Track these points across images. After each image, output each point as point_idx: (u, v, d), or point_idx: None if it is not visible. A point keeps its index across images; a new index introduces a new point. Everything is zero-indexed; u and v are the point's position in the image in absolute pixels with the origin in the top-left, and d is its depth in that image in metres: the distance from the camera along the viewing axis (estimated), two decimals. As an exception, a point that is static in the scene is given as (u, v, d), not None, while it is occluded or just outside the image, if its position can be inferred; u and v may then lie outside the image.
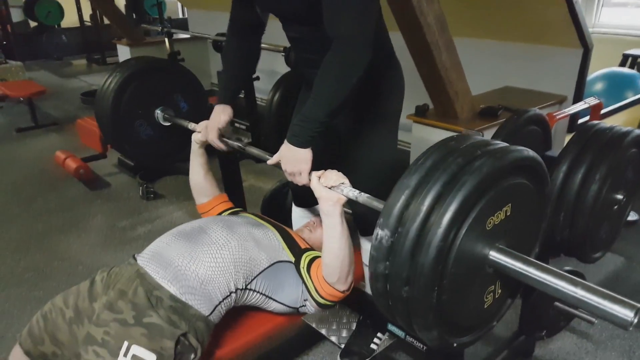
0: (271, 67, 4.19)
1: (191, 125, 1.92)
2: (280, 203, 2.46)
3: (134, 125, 2.17)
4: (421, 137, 2.45)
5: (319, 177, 1.35)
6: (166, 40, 4.32)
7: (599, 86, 3.66)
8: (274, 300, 1.50)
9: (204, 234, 1.46)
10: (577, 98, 2.76)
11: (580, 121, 2.87)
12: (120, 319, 1.25)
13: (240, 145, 1.70)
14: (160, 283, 1.32)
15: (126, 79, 2.13)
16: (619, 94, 3.49)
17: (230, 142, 1.72)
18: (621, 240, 1.79)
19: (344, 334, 1.89)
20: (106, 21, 7.94)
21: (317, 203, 1.94)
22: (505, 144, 0.99)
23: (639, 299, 0.88)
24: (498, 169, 0.92)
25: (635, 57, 4.40)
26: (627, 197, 1.56)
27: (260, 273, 1.45)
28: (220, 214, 1.79)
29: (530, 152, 1.00)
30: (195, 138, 1.78)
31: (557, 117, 2.25)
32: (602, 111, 2.68)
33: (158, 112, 2.18)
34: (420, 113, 2.49)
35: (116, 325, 1.24)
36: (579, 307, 0.90)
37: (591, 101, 2.48)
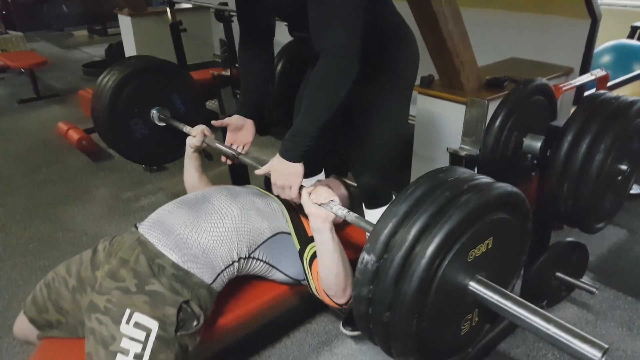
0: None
1: (186, 129, 1.88)
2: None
3: (130, 124, 2.14)
4: (426, 109, 2.42)
5: (310, 193, 1.34)
6: (168, 10, 4.24)
7: (606, 58, 3.60)
8: (277, 269, 1.51)
9: (207, 203, 1.46)
10: (584, 70, 2.72)
11: (586, 93, 2.83)
12: (123, 286, 1.26)
13: (234, 153, 1.68)
14: (162, 251, 1.32)
15: (125, 77, 2.10)
16: (626, 66, 3.43)
17: (227, 151, 1.69)
18: (624, 212, 1.79)
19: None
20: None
21: (317, 172, 1.95)
22: (491, 180, 1.01)
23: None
24: (483, 204, 0.95)
25: (644, 30, 4.32)
26: (632, 168, 1.55)
27: (263, 242, 1.46)
28: None
29: (514, 189, 1.02)
30: (190, 142, 1.75)
31: (563, 88, 2.22)
32: (609, 83, 2.64)
33: (154, 112, 2.15)
34: (426, 84, 2.46)
35: (118, 293, 1.25)
36: (550, 344, 0.93)
37: (598, 73, 2.44)
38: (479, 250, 0.99)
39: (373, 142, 1.64)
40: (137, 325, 1.21)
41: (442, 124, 2.36)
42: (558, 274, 1.86)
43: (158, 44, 5.14)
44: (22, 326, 1.46)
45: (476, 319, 1.10)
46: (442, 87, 2.44)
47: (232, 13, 3.90)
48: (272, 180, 1.41)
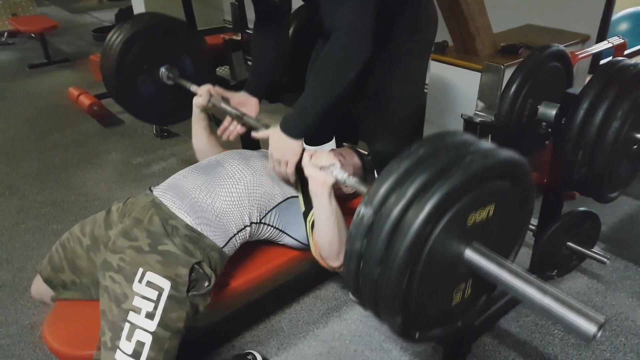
0: None
1: (193, 88, 1.86)
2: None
3: (138, 81, 2.13)
4: (440, 76, 2.38)
5: (311, 157, 1.31)
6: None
7: (624, 26, 3.51)
8: (287, 234, 1.52)
9: (220, 167, 1.46)
10: (601, 37, 2.65)
11: (602, 61, 2.77)
12: (136, 246, 1.28)
13: (238, 114, 1.64)
14: (176, 213, 1.33)
15: (135, 33, 2.07)
16: (646, 34, 3.34)
17: (231, 111, 1.66)
18: (638, 182, 1.76)
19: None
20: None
21: (327, 140, 1.94)
22: (498, 146, 0.97)
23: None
24: (487, 167, 0.92)
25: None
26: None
27: (274, 207, 1.46)
28: None
29: (521, 159, 0.98)
30: (197, 102, 1.72)
31: (580, 56, 2.17)
32: (626, 52, 2.58)
33: (162, 70, 2.13)
34: (440, 50, 2.41)
35: (131, 252, 1.27)
36: (545, 316, 0.89)
37: (615, 41, 2.38)
38: (479, 216, 0.97)
39: (390, 105, 1.61)
40: (150, 284, 1.23)
41: (456, 91, 2.32)
42: (569, 243, 1.86)
43: (168, 9, 5.05)
44: (38, 286, 1.50)
45: (469, 292, 1.08)
46: (457, 53, 2.39)
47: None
48: (270, 150, 1.39)
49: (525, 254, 1.91)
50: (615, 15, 3.52)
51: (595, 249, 1.88)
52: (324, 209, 1.31)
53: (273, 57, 1.70)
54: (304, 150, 1.36)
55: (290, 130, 1.33)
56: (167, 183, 1.46)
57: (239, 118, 1.65)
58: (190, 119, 1.78)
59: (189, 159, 3.19)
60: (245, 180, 1.43)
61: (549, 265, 1.93)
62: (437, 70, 2.40)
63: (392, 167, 0.93)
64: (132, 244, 1.28)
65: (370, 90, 1.63)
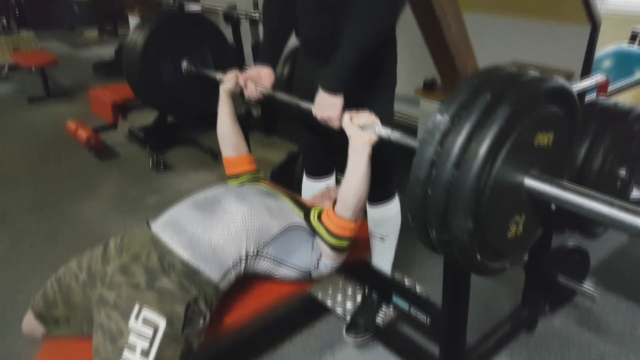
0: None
1: (218, 76, 1.97)
2: (289, 175, 2.50)
3: (160, 72, 2.23)
4: (429, 112, 2.45)
5: (351, 118, 1.42)
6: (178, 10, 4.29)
7: (607, 63, 3.60)
8: (285, 265, 1.54)
9: (217, 204, 1.49)
10: (585, 74, 2.73)
11: (587, 98, 2.84)
12: (133, 282, 1.29)
13: (271, 93, 1.75)
14: (173, 249, 1.35)
15: (157, 26, 2.20)
16: (627, 71, 3.44)
17: (265, 92, 1.76)
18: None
19: (349, 306, 1.93)
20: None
21: (328, 173, 1.98)
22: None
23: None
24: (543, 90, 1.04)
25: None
26: (630, 173, 1.56)
27: (271, 239, 1.49)
28: (242, 175, 1.82)
29: (570, 85, 1.10)
30: (225, 87, 1.82)
31: (566, 93, 2.23)
32: (610, 88, 2.65)
33: (185, 62, 2.23)
34: (429, 87, 2.49)
35: (128, 288, 1.28)
36: (615, 227, 0.96)
37: (598, 78, 2.45)
38: (543, 141, 1.06)
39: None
40: (146, 321, 1.23)
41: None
42: (560, 277, 1.88)
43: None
44: (29, 321, 1.48)
45: (521, 228, 1.13)
46: (445, 91, 2.46)
47: (240, 15, 3.94)
48: (314, 112, 1.52)
49: (517, 288, 1.93)
50: (600, 52, 3.62)
51: (586, 283, 1.90)
52: (361, 165, 1.40)
53: (283, 26, 1.78)
54: (344, 109, 1.47)
55: (329, 86, 1.46)
56: (165, 219, 1.48)
57: (271, 96, 1.75)
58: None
59: (185, 192, 3.18)
60: (242, 215, 1.46)
61: (540, 300, 1.94)
62: (426, 106, 2.47)
63: (465, 82, 1.02)
64: (129, 280, 1.29)
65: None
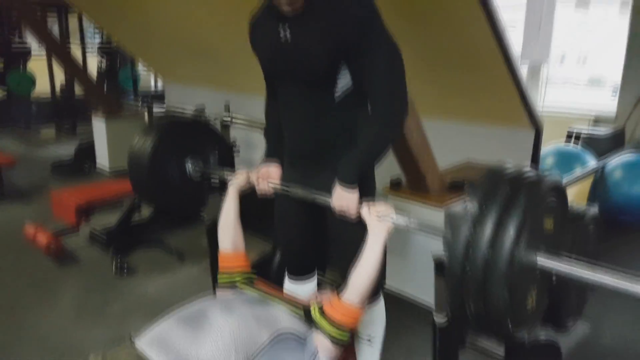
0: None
1: (226, 174, 2.07)
2: (265, 275, 2.49)
3: (166, 174, 2.36)
4: (397, 208, 2.58)
5: (369, 207, 1.54)
6: (146, 115, 4.43)
7: (549, 160, 3.95)
8: None
9: (204, 318, 1.48)
10: (535, 172, 2.97)
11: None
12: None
13: (285, 189, 1.81)
14: None
15: (163, 132, 2.37)
16: (568, 167, 3.79)
17: (277, 186, 1.84)
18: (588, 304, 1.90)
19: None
20: (78, 91, 8.06)
21: (311, 272, 2.01)
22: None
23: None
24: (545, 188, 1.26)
25: (578, 134, 4.83)
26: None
27: (261, 349, 1.47)
28: (235, 274, 1.81)
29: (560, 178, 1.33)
30: (235, 183, 1.89)
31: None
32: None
33: (189, 165, 2.37)
34: (395, 186, 2.63)
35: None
36: (621, 293, 1.13)
37: (547, 176, 2.68)
38: (547, 225, 1.26)
39: (355, 241, 1.74)
40: None
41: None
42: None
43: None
44: None
45: (534, 301, 1.30)
46: (410, 189, 2.62)
47: (207, 118, 4.10)
48: (333, 204, 1.64)
49: None
50: (542, 151, 3.97)
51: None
52: (378, 251, 1.49)
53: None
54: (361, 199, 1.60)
55: (347, 179, 1.60)
56: (150, 335, 1.45)
57: (287, 192, 1.81)
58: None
59: (150, 298, 3.13)
60: (230, 328, 1.45)
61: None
62: (394, 203, 2.59)
63: (482, 180, 1.25)
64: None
65: (337, 230, 1.79)
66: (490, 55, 2.45)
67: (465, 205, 1.20)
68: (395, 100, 1.59)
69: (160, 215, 3.82)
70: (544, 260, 1.21)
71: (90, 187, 4.14)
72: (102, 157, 5.61)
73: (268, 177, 1.87)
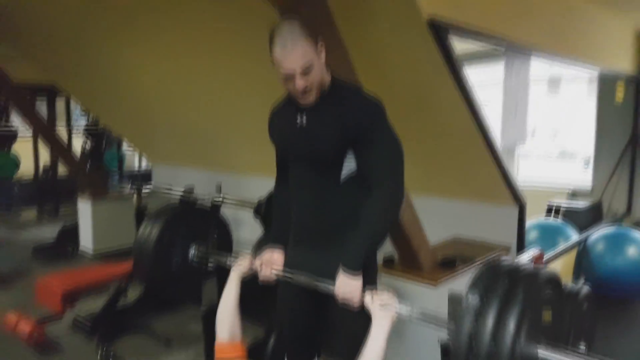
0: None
1: (230, 261, 2.05)
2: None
3: (170, 260, 2.39)
4: (390, 286, 2.59)
5: (372, 296, 1.55)
6: (135, 195, 4.46)
7: (533, 234, 4.06)
8: None
9: None
10: (520, 246, 3.06)
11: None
12: None
13: (288, 276, 1.81)
14: None
15: (169, 220, 2.44)
16: (551, 240, 3.89)
17: (281, 273, 1.84)
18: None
19: None
20: (61, 173, 8.07)
21: (312, 358, 1.98)
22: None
23: None
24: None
25: (558, 207, 5.01)
26: (588, 348, 1.70)
27: None
28: None
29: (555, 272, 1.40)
30: (238, 270, 1.87)
31: (509, 267, 2.49)
32: (545, 258, 2.98)
33: (192, 249, 2.41)
34: (388, 264, 2.67)
35: None
36: None
37: (534, 252, 2.77)
38: (547, 316, 1.31)
39: (348, 326, 1.77)
40: None
41: (410, 302, 2.50)
42: None
43: (117, 228, 5.25)
44: None
45: None
46: (403, 267, 2.66)
47: (195, 197, 4.15)
48: (336, 292, 1.64)
49: None
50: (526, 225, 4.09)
51: None
52: (381, 341, 1.49)
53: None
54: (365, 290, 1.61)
55: (352, 266, 1.62)
56: None
57: (290, 279, 1.80)
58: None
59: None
60: None
61: None
62: (387, 280, 2.61)
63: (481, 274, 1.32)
64: None
65: (338, 314, 1.79)
66: (473, 141, 2.61)
67: (467, 298, 1.25)
68: (394, 190, 1.68)
69: (147, 299, 3.74)
70: (544, 353, 1.24)
71: (77, 271, 4.06)
72: (86, 240, 5.54)
73: (272, 264, 1.89)
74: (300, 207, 1.84)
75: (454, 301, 1.39)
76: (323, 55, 1.63)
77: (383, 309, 1.53)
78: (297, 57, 1.56)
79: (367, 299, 1.57)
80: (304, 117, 1.72)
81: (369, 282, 1.77)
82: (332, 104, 1.68)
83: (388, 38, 2.47)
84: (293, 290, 1.87)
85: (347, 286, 1.63)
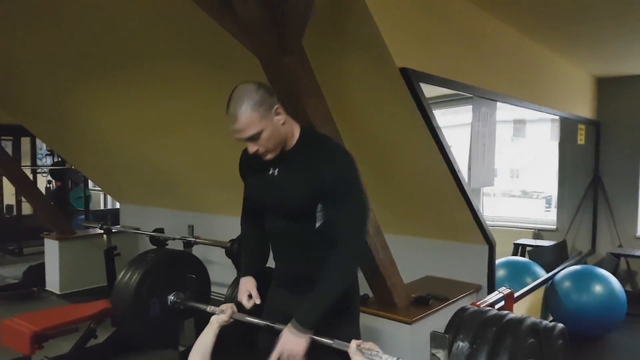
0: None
1: (210, 308, 2.02)
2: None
3: (148, 308, 2.41)
4: (365, 325, 2.62)
5: (357, 345, 1.54)
6: (104, 236, 4.39)
7: (501, 272, 4.17)
8: None
9: None
10: (491, 287, 3.15)
11: (497, 306, 3.22)
12: None
13: (268, 324, 1.81)
14: None
15: (148, 269, 2.46)
16: (520, 278, 4.01)
17: (258, 322, 1.84)
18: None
19: None
20: (25, 211, 7.86)
21: None
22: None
23: None
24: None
25: (524, 246, 5.19)
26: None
27: None
28: None
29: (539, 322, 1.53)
30: (218, 319, 1.85)
31: (481, 306, 2.56)
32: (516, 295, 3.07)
33: (171, 298, 2.41)
34: (363, 302, 2.71)
35: None
36: None
37: (504, 290, 2.86)
38: None
39: None
40: None
41: (385, 340, 2.54)
42: None
43: (85, 268, 5.15)
44: None
45: None
46: (378, 305, 2.70)
47: (166, 238, 4.10)
48: (279, 348, 1.59)
49: None
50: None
51: None
52: None
53: (262, 243, 1.94)
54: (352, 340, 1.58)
55: (304, 324, 1.59)
56: None
57: (269, 327, 1.79)
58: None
59: None
60: None
61: None
62: (362, 319, 2.64)
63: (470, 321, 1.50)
64: None
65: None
66: (444, 183, 2.75)
67: (457, 344, 1.34)
68: (357, 251, 1.71)
69: (116, 340, 3.65)
70: None
71: (46, 312, 3.93)
72: (53, 280, 5.38)
73: (248, 290, 1.89)
74: (277, 254, 1.87)
75: (438, 342, 1.41)
76: (280, 117, 1.64)
77: (367, 358, 1.52)
78: (241, 127, 1.59)
79: (352, 347, 1.55)
80: (277, 169, 1.75)
81: (350, 323, 1.82)
82: (302, 156, 1.70)
83: (362, 83, 2.60)
84: (272, 338, 1.86)
85: (290, 343, 1.59)
